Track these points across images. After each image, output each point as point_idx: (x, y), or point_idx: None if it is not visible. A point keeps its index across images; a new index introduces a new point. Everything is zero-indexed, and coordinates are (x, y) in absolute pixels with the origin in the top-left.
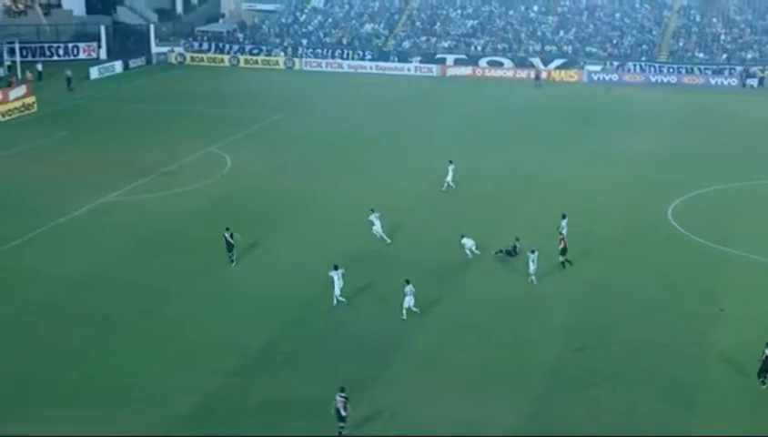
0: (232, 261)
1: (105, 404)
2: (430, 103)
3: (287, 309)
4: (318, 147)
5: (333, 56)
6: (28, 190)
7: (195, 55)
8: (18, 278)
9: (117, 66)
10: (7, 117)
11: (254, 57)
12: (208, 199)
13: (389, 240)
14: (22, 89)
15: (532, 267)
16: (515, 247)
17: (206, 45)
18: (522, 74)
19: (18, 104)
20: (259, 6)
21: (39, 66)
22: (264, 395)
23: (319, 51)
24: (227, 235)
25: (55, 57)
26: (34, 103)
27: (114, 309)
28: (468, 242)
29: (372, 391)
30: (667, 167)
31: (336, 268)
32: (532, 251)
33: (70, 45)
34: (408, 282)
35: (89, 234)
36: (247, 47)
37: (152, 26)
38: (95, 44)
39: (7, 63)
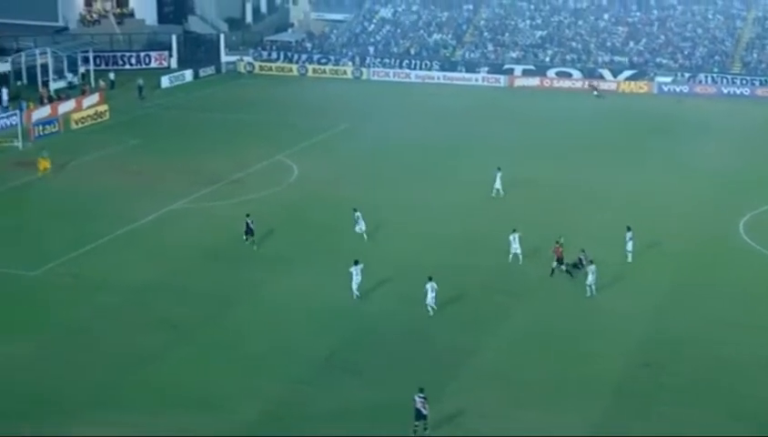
0: (253, 244)
1: (171, 409)
2: (497, 114)
3: (353, 317)
4: (384, 156)
5: (401, 66)
6: (100, 197)
7: (263, 64)
8: (88, 283)
9: (188, 74)
10: (81, 125)
11: (322, 67)
12: (276, 207)
13: (365, 238)
14: (95, 97)
15: (591, 278)
16: (581, 260)
17: (274, 55)
18: (586, 84)
19: (91, 112)
20: (328, 16)
21: (111, 75)
22: (330, 402)
23: (387, 61)
24: (248, 220)
25: (128, 66)
26: (106, 111)
27: (180, 316)
28: (514, 243)
29: (439, 401)
30: (738, 180)
31: (356, 263)
32: (590, 262)
33: (142, 54)
34: (430, 279)
35: (157, 241)
36: (316, 57)
37: (222, 36)
38: (166, 53)
39: (81, 71)
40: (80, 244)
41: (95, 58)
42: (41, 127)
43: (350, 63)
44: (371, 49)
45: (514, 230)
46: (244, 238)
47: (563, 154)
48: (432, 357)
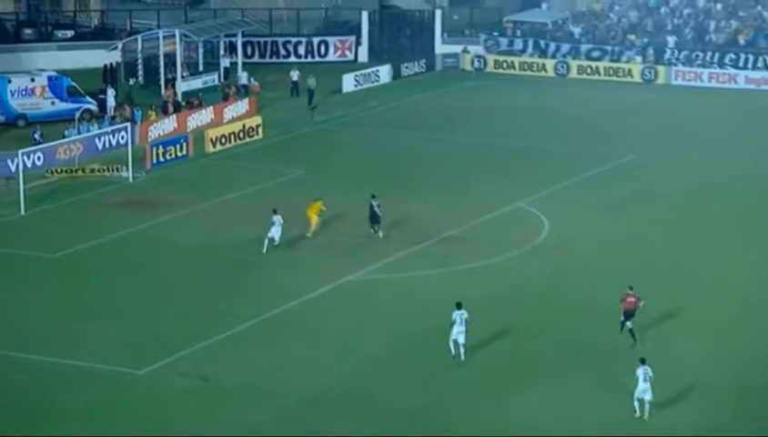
0: (377, 232)
1: None
2: None
3: None
4: (692, 206)
5: (721, 64)
6: (242, 258)
7: (501, 58)
8: (223, 390)
9: (383, 73)
10: (220, 148)
11: (593, 63)
12: (507, 284)
13: (263, 249)
14: (243, 105)
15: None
16: None
17: (519, 44)
18: None
19: (237, 127)
20: None
21: (245, 73)
22: None
23: (698, 55)
24: (374, 203)
25: (293, 58)
26: (259, 126)
27: None
28: None
29: None
30: None
31: (458, 307)
32: None
33: (316, 40)
34: (459, 306)
35: (328, 328)
36: (583, 48)
37: (439, 13)
38: (352, 39)
39: (225, 65)
40: (211, 330)
41: (245, 46)
42: (161, 150)
43: (639, 58)
44: (672, 38)
45: None
46: (370, 227)
47: None
48: None
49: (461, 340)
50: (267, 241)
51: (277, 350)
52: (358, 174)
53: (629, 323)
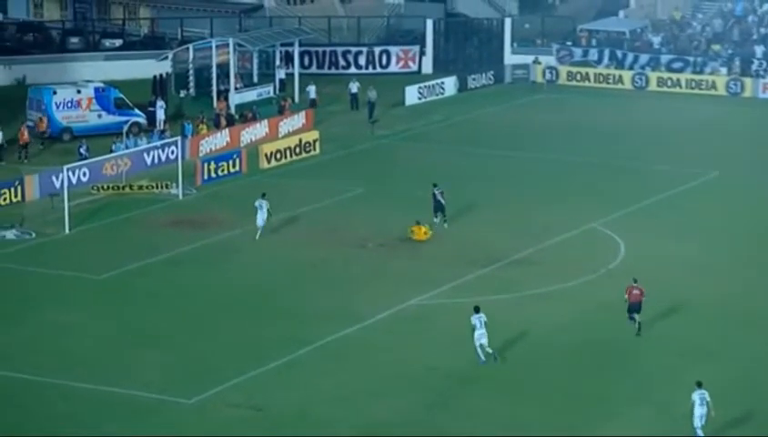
0: (444, 222)
1: None
2: None
3: None
4: None
5: None
6: (297, 281)
7: (574, 69)
8: (278, 421)
9: (449, 85)
10: (275, 164)
11: (674, 75)
12: (580, 311)
13: (259, 233)
14: (300, 119)
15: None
16: None
17: (594, 55)
18: None
19: (293, 142)
20: None
21: (313, 86)
22: None
23: None
24: (436, 192)
25: (353, 69)
26: (316, 141)
27: None
28: None
29: None
30: None
31: (477, 311)
32: None
33: (377, 49)
34: (477, 310)
35: (390, 355)
36: (664, 59)
37: (508, 22)
38: (415, 49)
39: (280, 76)
40: (265, 357)
41: (302, 56)
42: (212, 165)
43: (724, 69)
44: (760, 48)
45: None
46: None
47: None
48: None
49: (484, 341)
50: (259, 230)
51: (335, 379)
52: (421, 193)
53: (636, 316)
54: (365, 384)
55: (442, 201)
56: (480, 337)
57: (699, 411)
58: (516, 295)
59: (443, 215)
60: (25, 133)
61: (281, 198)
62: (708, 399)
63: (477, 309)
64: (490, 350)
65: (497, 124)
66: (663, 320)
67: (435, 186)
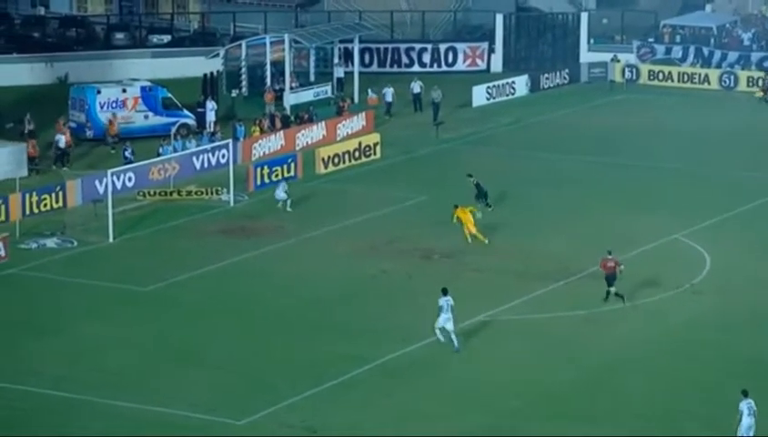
0: (487, 207)
1: None
2: None
3: None
4: None
5: None
6: (364, 295)
7: (657, 67)
8: None
9: (520, 84)
10: (332, 168)
11: (766, 74)
12: (661, 329)
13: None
14: (359, 121)
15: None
16: None
17: (678, 52)
18: None
19: (351, 145)
20: None
21: (390, 89)
22: None
23: None
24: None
25: (416, 68)
26: (377, 145)
27: None
28: None
29: None
30: None
31: (444, 293)
32: None
33: (443, 46)
34: (445, 292)
35: (454, 375)
36: (754, 56)
37: (584, 17)
38: (484, 45)
39: (338, 74)
40: (320, 376)
41: (362, 53)
42: (266, 170)
43: None
44: None
45: None
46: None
47: None
48: None
49: (450, 326)
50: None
51: (395, 400)
52: (490, 201)
53: (612, 289)
54: (426, 405)
55: (483, 187)
56: (446, 321)
57: (747, 422)
58: (590, 311)
59: (486, 200)
60: (67, 135)
61: (339, 206)
62: (755, 408)
63: (445, 292)
64: (456, 339)
65: (572, 127)
66: (750, 339)
67: (470, 176)
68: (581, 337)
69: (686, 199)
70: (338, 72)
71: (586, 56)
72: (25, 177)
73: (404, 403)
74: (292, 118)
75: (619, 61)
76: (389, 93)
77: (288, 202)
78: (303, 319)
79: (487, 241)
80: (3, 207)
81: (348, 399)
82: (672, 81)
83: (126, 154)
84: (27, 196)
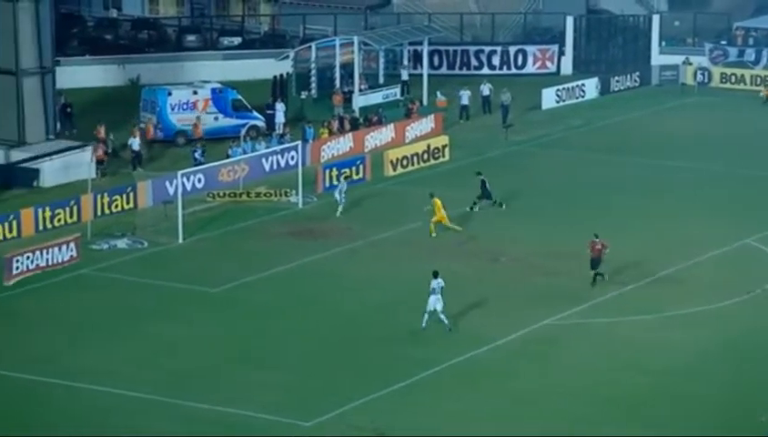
0: (497, 205)
1: None
2: None
3: None
4: None
5: None
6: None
7: (729, 70)
8: None
9: (590, 87)
10: (401, 170)
11: None
12: (730, 335)
13: (339, 209)
14: (428, 123)
15: None
16: None
17: (751, 55)
18: None
19: (420, 148)
20: None
21: (467, 92)
22: None
23: None
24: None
25: (485, 69)
26: (445, 147)
27: None
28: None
29: None
30: None
31: (435, 276)
32: None
33: (512, 49)
34: (435, 275)
35: (521, 379)
36: None
37: (656, 19)
38: (554, 48)
39: (404, 78)
40: (389, 377)
41: (431, 55)
42: (335, 172)
43: None
44: None
45: None
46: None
47: None
48: None
49: (439, 307)
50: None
51: (463, 403)
52: (558, 204)
53: (599, 270)
54: (495, 409)
55: (489, 188)
56: (436, 302)
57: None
58: (659, 316)
59: (492, 199)
60: (140, 136)
61: (407, 208)
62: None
63: (436, 275)
64: (445, 319)
65: (642, 130)
66: None
67: (479, 173)
68: (650, 341)
69: (757, 203)
70: (403, 75)
71: (657, 59)
72: (95, 178)
73: (473, 407)
74: (361, 120)
75: (691, 64)
76: (464, 96)
77: (340, 207)
78: (371, 320)
79: (460, 229)
80: (75, 207)
81: (416, 401)
82: (745, 84)
83: (197, 155)
84: (99, 197)
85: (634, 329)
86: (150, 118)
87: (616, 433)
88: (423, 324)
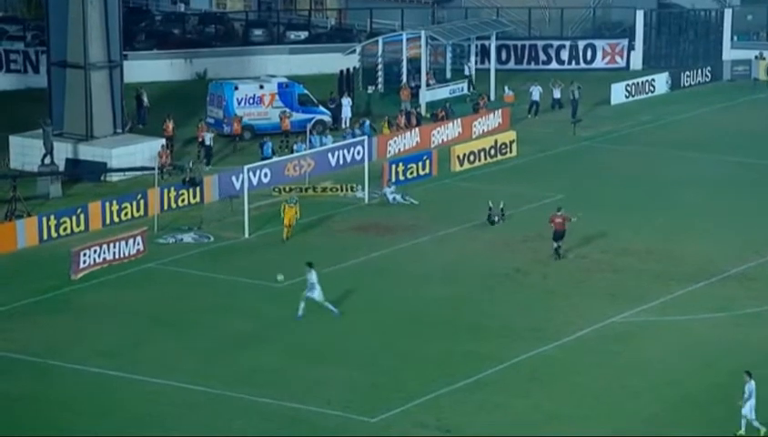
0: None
1: None
2: None
3: None
4: None
5: None
6: (496, 294)
7: None
8: None
9: (660, 82)
10: (468, 166)
11: None
12: None
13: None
14: (496, 118)
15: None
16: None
17: None
18: None
19: (487, 143)
20: None
21: (538, 87)
22: None
23: None
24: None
25: (554, 65)
26: (513, 143)
27: None
28: None
29: None
30: None
31: (310, 266)
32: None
33: (581, 43)
34: (310, 266)
35: (589, 377)
36: None
37: (728, 13)
38: (623, 42)
39: (468, 73)
40: (455, 374)
41: (499, 50)
42: (401, 167)
43: None
44: None
45: None
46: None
47: None
48: None
49: (320, 298)
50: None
51: (530, 401)
52: (627, 201)
53: (561, 243)
54: (562, 408)
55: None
56: (312, 292)
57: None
58: (731, 314)
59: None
60: (205, 130)
61: (473, 204)
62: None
63: (310, 265)
64: (324, 301)
65: (713, 125)
66: None
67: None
68: (721, 339)
69: None
70: (468, 69)
71: (729, 54)
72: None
73: (539, 405)
74: (428, 115)
75: (764, 59)
76: (536, 91)
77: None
78: (436, 316)
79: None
80: (142, 201)
81: (482, 398)
82: None
83: (264, 149)
84: (165, 191)
85: (705, 326)
86: (236, 115)
87: (689, 433)
88: (301, 313)
